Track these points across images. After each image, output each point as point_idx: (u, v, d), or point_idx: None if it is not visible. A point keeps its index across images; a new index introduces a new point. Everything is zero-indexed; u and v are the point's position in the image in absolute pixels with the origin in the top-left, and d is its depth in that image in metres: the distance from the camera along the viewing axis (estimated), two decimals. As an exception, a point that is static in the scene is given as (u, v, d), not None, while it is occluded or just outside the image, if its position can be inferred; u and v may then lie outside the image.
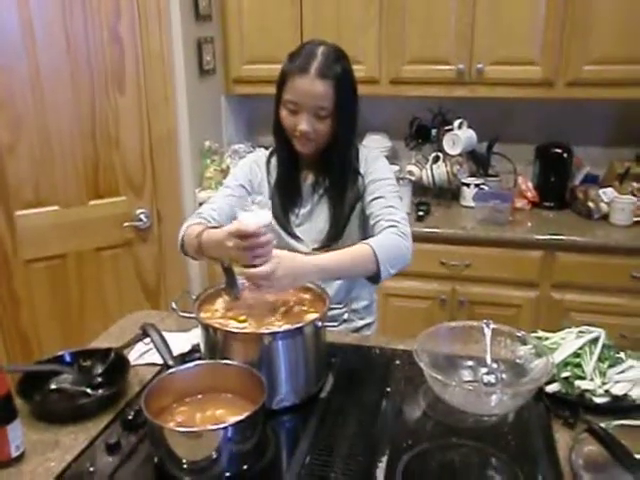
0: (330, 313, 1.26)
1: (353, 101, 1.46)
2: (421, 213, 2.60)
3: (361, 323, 1.65)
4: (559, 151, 2.68)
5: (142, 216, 2.52)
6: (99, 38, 2.28)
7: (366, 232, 1.52)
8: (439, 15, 2.51)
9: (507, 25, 2.45)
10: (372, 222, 1.44)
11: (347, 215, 1.50)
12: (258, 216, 1.19)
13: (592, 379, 1.15)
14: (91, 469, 1.04)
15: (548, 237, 2.39)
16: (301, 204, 1.56)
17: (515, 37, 2.45)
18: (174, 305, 1.28)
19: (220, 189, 1.61)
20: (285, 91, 1.42)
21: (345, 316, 1.27)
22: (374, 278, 1.35)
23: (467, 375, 1.24)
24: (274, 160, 1.58)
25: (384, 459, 1.05)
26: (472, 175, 2.81)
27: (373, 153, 1.57)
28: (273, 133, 1.52)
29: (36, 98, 2.21)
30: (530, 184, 2.73)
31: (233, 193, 1.55)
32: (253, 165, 1.61)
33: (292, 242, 1.53)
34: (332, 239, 1.50)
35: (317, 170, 1.54)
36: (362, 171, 1.51)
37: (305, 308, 1.28)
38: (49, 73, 2.22)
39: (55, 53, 2.21)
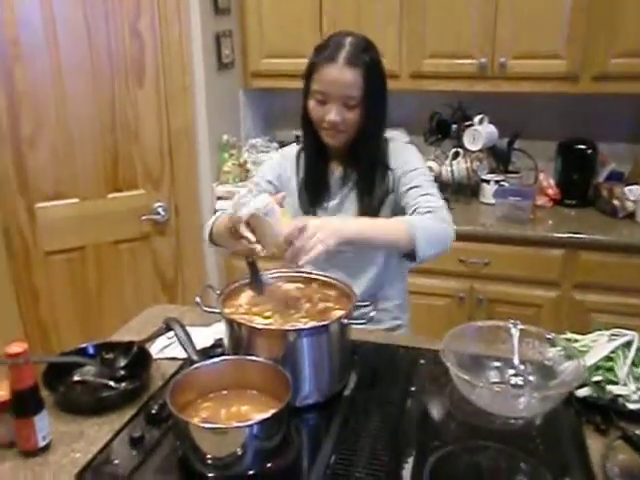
0: (356, 311, 1.25)
1: (382, 92, 1.43)
2: (440, 209, 2.57)
3: (394, 323, 1.62)
4: (583, 147, 2.63)
5: (160, 209, 2.52)
6: (120, 32, 2.28)
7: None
8: (461, 8, 2.47)
9: (531, 18, 2.40)
10: (409, 212, 1.39)
11: (376, 209, 1.48)
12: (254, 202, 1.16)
13: (625, 384, 1.12)
14: (116, 462, 1.04)
15: (569, 235, 2.35)
16: (329, 197, 1.54)
17: (539, 30, 2.41)
18: (198, 299, 1.27)
19: (248, 184, 1.61)
20: (313, 82, 1.40)
21: (372, 314, 1.25)
22: (412, 256, 1.31)
23: (494, 376, 1.22)
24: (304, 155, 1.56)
25: (410, 460, 1.04)
26: (492, 171, 2.78)
27: (401, 145, 1.54)
28: (301, 126, 1.50)
29: (57, 92, 2.22)
30: (552, 181, 2.69)
31: (260, 190, 1.54)
32: (282, 160, 1.60)
33: None
34: None
35: (346, 163, 1.52)
36: (391, 164, 1.49)
37: (330, 304, 1.27)
38: (70, 67, 2.22)
39: (76, 47, 2.22)
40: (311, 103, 1.42)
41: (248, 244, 1.18)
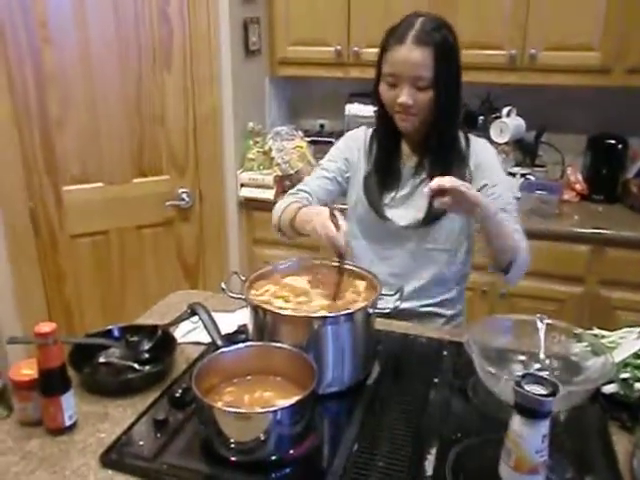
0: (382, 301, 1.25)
1: (455, 74, 1.39)
2: (465, 202, 2.54)
3: (449, 313, 1.60)
4: (613, 142, 2.58)
5: (184, 195, 2.54)
6: (148, 17, 2.29)
7: (470, 226, 1.50)
8: (492, -2, 2.44)
9: (564, 8, 2.36)
10: None
11: None
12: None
13: (654, 382, 1.11)
14: (140, 443, 1.05)
15: (596, 231, 2.31)
16: (399, 187, 1.51)
17: (572, 21, 2.36)
18: (224, 285, 1.28)
19: (316, 169, 1.61)
20: (384, 65, 1.38)
21: (397, 303, 1.24)
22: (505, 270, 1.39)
23: (518, 370, 1.20)
24: None
25: (433, 451, 1.03)
26: (518, 164, 2.74)
27: (482, 142, 1.51)
28: (375, 113, 1.49)
29: (85, 74, 2.24)
30: (579, 176, 2.65)
31: (326, 175, 1.55)
32: (349, 142, 1.58)
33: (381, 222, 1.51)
34: (425, 224, 1.47)
35: (420, 152, 1.49)
36: (471, 161, 1.45)
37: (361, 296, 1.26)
38: (98, 50, 2.23)
39: (105, 31, 2.23)
40: (382, 86, 1.40)
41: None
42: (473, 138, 1.50)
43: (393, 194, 1.50)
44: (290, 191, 1.58)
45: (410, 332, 1.44)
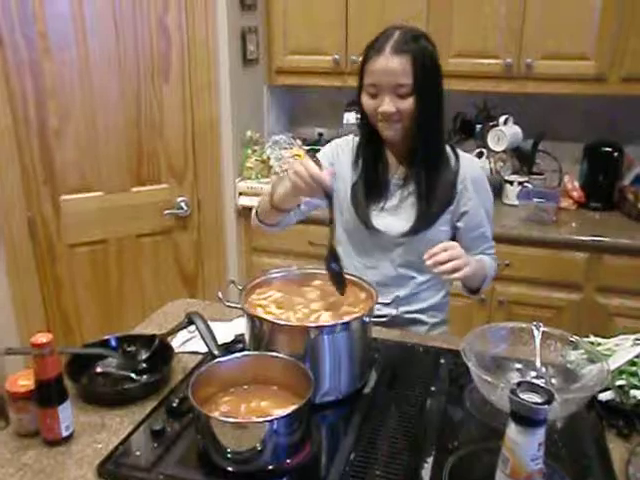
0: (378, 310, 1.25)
1: (435, 81, 1.40)
2: (462, 210, 2.55)
3: (432, 320, 1.61)
4: (609, 150, 2.59)
5: (182, 204, 2.55)
6: (147, 27, 2.30)
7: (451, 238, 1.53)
8: (488, 7, 2.45)
9: (559, 17, 2.37)
10: (473, 247, 1.52)
11: (435, 217, 1.47)
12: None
13: (649, 389, 1.11)
14: (137, 453, 1.05)
15: (593, 239, 2.32)
16: (387, 197, 1.52)
17: (567, 30, 2.37)
18: (220, 295, 1.28)
19: None
20: (365, 76, 1.40)
21: (393, 312, 1.25)
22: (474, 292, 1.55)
23: (515, 378, 1.21)
24: None
25: (430, 460, 1.03)
26: (515, 172, 2.75)
27: (476, 166, 1.55)
28: (358, 125, 1.50)
29: (84, 85, 2.25)
30: (576, 183, 2.66)
31: None
32: (337, 150, 1.59)
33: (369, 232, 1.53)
34: (412, 234, 1.48)
35: (407, 164, 1.50)
36: (460, 182, 1.48)
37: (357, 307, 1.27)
38: (97, 61, 2.25)
39: (104, 42, 2.25)
40: (364, 97, 1.41)
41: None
42: (461, 153, 1.52)
43: (381, 205, 1.51)
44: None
45: (407, 340, 1.44)
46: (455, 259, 1.26)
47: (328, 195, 1.23)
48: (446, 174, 1.46)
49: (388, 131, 1.42)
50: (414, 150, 1.45)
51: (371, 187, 1.51)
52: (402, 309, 1.52)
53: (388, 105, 1.36)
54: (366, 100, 1.41)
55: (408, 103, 1.36)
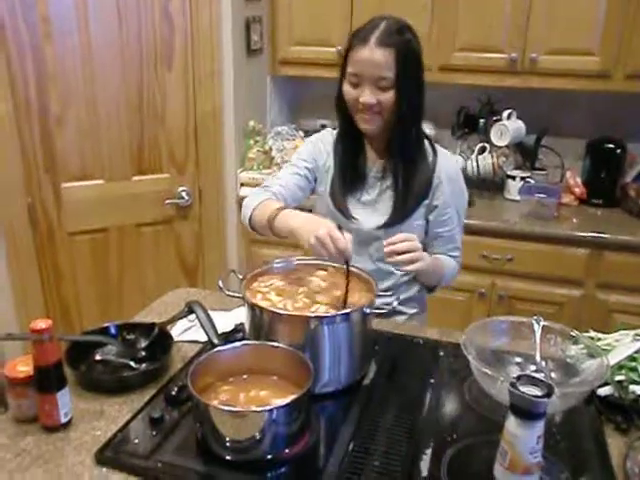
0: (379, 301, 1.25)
1: (417, 75, 1.40)
2: (464, 204, 2.54)
3: (411, 311, 1.62)
4: (612, 146, 2.59)
5: (184, 194, 2.54)
6: (150, 15, 2.29)
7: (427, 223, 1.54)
8: (494, 1, 2.44)
9: (565, 13, 2.36)
10: (437, 244, 1.54)
11: (410, 210, 1.48)
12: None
13: (648, 384, 1.11)
14: (135, 441, 1.05)
15: (594, 235, 2.32)
16: (364, 190, 1.52)
17: (573, 26, 2.36)
18: (220, 283, 1.28)
19: (286, 166, 1.61)
20: (348, 64, 1.40)
21: (394, 304, 1.24)
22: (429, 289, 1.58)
23: (514, 371, 1.21)
24: None
25: (428, 452, 1.03)
26: (518, 168, 2.75)
27: (453, 163, 1.56)
28: (337, 113, 1.49)
29: (86, 72, 2.24)
30: (579, 179, 2.65)
31: (299, 172, 1.55)
32: (320, 144, 1.59)
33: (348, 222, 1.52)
34: (388, 227, 1.48)
35: (385, 158, 1.50)
36: (436, 177, 1.48)
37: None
38: (100, 48, 2.24)
39: (106, 28, 2.23)
40: (345, 86, 1.41)
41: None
42: (440, 149, 1.53)
43: (358, 197, 1.52)
44: (263, 184, 1.57)
45: (407, 333, 1.44)
46: (412, 251, 1.27)
47: (347, 260, 1.24)
48: (423, 168, 1.48)
49: (367, 124, 1.42)
50: (393, 143, 1.45)
51: (349, 178, 1.52)
52: (380, 301, 1.52)
53: (369, 96, 1.37)
54: (347, 89, 1.41)
55: (389, 96, 1.37)
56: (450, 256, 1.55)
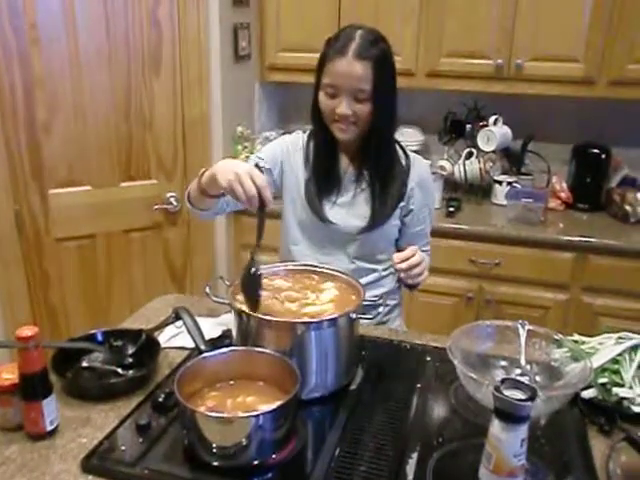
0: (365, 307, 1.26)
1: (392, 85, 1.44)
2: (451, 209, 2.56)
3: (391, 303, 1.64)
4: (597, 152, 2.62)
5: (172, 199, 2.54)
6: (138, 20, 2.29)
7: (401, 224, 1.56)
8: (480, 8, 2.46)
9: (550, 21, 2.39)
10: (412, 242, 1.54)
11: (389, 214, 1.51)
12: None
13: (631, 387, 1.13)
14: (122, 448, 1.04)
15: (580, 239, 2.34)
16: (339, 192, 1.54)
17: (558, 33, 2.39)
18: (208, 290, 1.28)
19: (249, 160, 1.58)
20: (324, 75, 1.40)
21: (380, 309, 1.25)
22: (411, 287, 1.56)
23: (500, 375, 1.22)
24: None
25: (414, 456, 1.04)
26: (505, 173, 2.77)
27: (426, 168, 1.60)
28: (312, 120, 1.50)
29: (74, 77, 2.23)
30: (564, 184, 2.68)
31: (265, 166, 1.51)
32: (289, 147, 1.58)
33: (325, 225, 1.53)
34: (368, 231, 1.50)
35: (358, 162, 1.52)
36: (411, 182, 1.52)
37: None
38: (87, 53, 2.23)
39: (94, 34, 2.23)
40: (321, 96, 1.42)
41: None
42: (412, 154, 1.56)
43: (333, 198, 1.54)
44: None
45: (394, 338, 1.45)
46: (421, 262, 1.33)
47: (262, 207, 1.18)
48: (398, 172, 1.51)
49: (343, 134, 1.44)
50: (366, 150, 1.48)
51: (324, 181, 1.53)
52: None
53: (346, 108, 1.38)
54: (324, 99, 1.42)
55: (366, 107, 1.39)
56: (423, 251, 1.55)
